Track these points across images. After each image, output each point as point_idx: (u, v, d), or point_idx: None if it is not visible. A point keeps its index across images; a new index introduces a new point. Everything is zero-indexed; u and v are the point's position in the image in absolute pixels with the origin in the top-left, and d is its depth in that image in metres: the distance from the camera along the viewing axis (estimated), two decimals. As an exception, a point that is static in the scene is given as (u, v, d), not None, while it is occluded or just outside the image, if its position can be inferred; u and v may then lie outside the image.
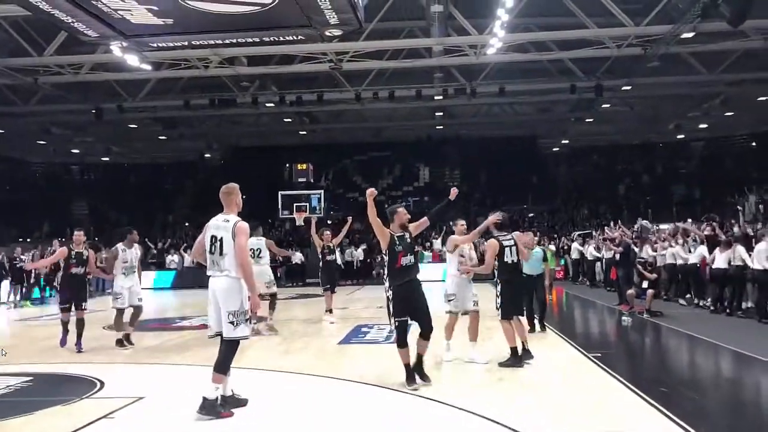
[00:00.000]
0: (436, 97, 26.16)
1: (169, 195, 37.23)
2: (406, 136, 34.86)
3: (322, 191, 24.52)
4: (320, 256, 12.70)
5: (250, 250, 10.75)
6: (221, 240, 5.75)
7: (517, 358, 7.51)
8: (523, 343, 7.70)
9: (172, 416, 5.66)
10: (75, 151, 36.47)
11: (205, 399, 5.52)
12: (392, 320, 6.60)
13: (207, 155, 38.81)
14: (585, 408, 5.63)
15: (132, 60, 19.27)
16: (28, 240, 28.43)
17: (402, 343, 6.50)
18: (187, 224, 32.89)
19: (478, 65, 23.01)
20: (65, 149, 35.84)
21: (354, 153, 37.12)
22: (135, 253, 9.93)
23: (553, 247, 17.52)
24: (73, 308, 9.57)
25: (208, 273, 5.82)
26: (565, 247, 22.95)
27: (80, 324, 9.44)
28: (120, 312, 9.65)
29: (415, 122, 32.05)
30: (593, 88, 23.99)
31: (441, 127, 33.75)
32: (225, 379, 5.65)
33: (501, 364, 7.43)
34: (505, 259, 7.78)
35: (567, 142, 37.02)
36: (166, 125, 31.60)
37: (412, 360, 6.57)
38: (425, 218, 7.24)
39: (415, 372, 6.56)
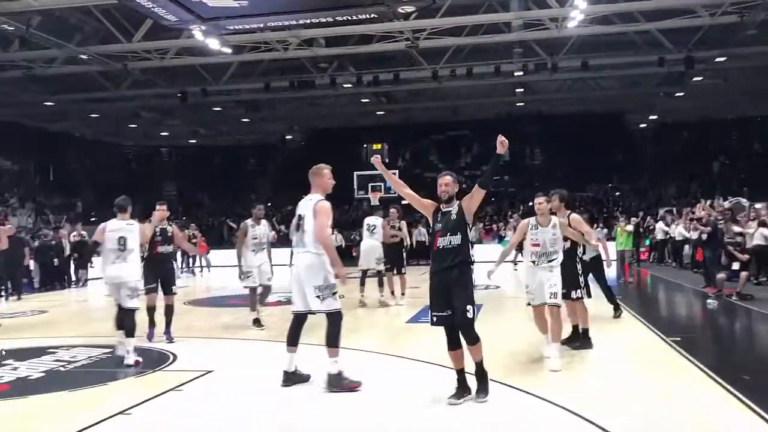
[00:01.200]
0: (515, 73, 25.54)
1: (252, 176, 38.23)
2: (485, 114, 34.19)
3: (397, 171, 24.40)
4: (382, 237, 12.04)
5: (367, 225, 12.00)
6: (304, 218, 6.00)
7: (587, 339, 7.40)
8: (576, 326, 7.50)
9: (236, 390, 5.79)
10: (164, 133, 37.92)
11: (329, 374, 5.73)
12: None
13: (288, 137, 39.51)
14: (656, 395, 5.35)
15: (213, 44, 19.73)
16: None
17: (448, 344, 5.45)
18: (269, 204, 33.67)
19: (560, 39, 22.29)
20: (155, 132, 37.32)
21: (431, 132, 36.83)
22: (263, 229, 9.49)
23: (630, 227, 16.75)
24: (160, 292, 8.53)
25: (293, 250, 6.02)
26: (651, 227, 21.99)
27: (169, 311, 8.44)
28: (252, 291, 9.35)
29: (494, 99, 31.41)
30: (683, 60, 22.76)
31: (521, 104, 32.98)
32: (338, 351, 5.82)
33: (570, 347, 7.21)
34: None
35: (655, 117, 35.39)
36: (248, 108, 32.34)
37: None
38: (477, 187, 5.47)
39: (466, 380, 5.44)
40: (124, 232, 7.21)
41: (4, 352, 6.72)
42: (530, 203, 30.39)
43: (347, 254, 27.11)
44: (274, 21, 13.93)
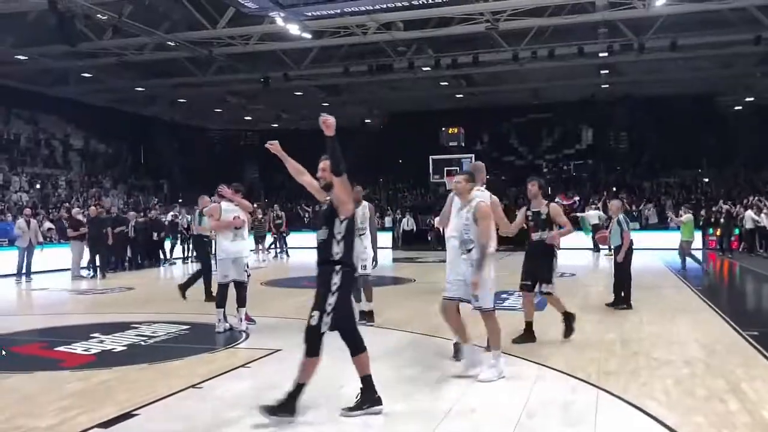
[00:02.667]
0: (600, 54, 24.67)
1: (332, 159, 38.73)
2: (568, 97, 33.19)
3: (473, 155, 24.24)
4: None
5: None
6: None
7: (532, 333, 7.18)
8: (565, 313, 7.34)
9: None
10: (248, 118, 38.93)
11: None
12: None
13: (367, 121, 39.75)
14: (718, 392, 5.14)
15: (293, 29, 20.09)
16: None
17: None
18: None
19: (648, 18, 21.37)
20: (239, 116, 38.38)
21: (511, 115, 36.14)
22: (364, 212, 8.28)
23: (685, 218, 15.85)
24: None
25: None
26: (741, 216, 20.93)
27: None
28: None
29: (577, 81, 30.43)
30: (783, 38, 21.38)
31: (606, 86, 31.83)
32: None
33: (515, 341, 6.98)
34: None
35: (752, 99, 33.39)
36: (329, 92, 32.73)
37: None
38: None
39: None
40: (239, 212, 8.02)
41: (3, 352, 7.12)
42: (614, 188, 29.78)
43: (423, 238, 27.23)
44: (351, 6, 14.08)
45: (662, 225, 25.21)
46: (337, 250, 4.65)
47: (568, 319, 7.33)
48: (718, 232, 22.03)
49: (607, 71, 28.91)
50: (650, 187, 31.14)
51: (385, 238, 25.63)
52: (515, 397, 5.04)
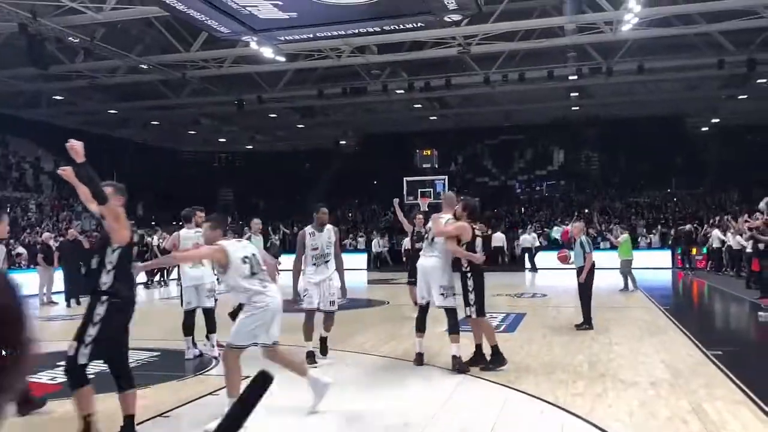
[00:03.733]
0: (570, 77, 25.21)
1: (306, 181, 38.76)
2: (539, 119, 33.80)
3: (446, 177, 24.44)
4: (409, 244, 11.60)
5: None
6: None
7: (501, 356, 6.85)
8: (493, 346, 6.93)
9: (273, 395, 5.95)
10: (222, 139, 38.89)
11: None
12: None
13: (342, 142, 39.93)
14: (680, 413, 5.23)
15: (267, 52, 20.19)
16: (178, 224, 30.83)
17: None
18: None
19: (616, 42, 21.92)
20: (213, 138, 38.33)
21: (484, 137, 36.65)
22: (329, 237, 7.63)
23: (623, 237, 16.40)
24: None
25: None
26: (708, 235, 21.34)
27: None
28: (309, 315, 7.66)
29: (548, 104, 31.01)
30: (746, 62, 22.03)
31: (577, 108, 32.46)
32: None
33: (483, 368, 6.76)
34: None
35: (718, 121, 34.25)
36: (303, 114, 32.86)
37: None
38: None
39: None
40: (198, 239, 7.60)
41: None
42: (586, 209, 30.18)
43: (398, 259, 27.27)
44: (323, 32, 14.11)
45: (632, 245, 25.61)
46: (105, 279, 4.46)
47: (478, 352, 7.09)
48: (693, 251, 22.60)
49: (576, 94, 29.51)
50: (621, 207, 31.63)
51: (360, 260, 25.63)
52: (483, 422, 5.08)
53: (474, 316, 6.90)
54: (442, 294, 6.87)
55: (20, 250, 20.64)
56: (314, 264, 7.41)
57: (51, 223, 25.99)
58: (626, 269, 15.64)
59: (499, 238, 26.45)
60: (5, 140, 30.02)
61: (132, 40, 21.80)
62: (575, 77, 25.02)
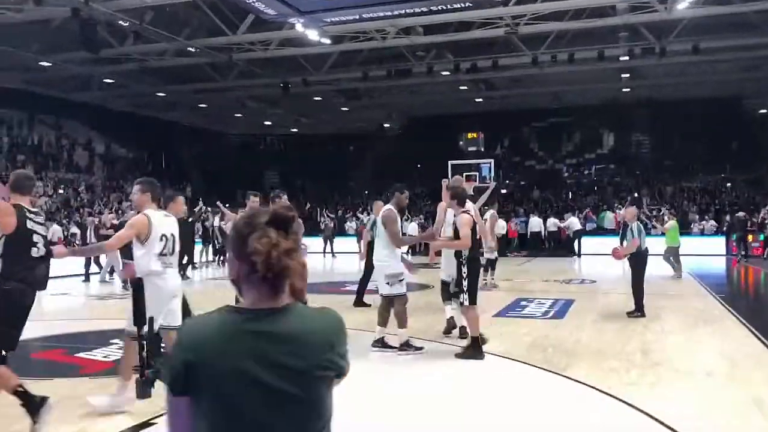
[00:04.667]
0: (621, 58, 24.45)
1: (350, 163, 38.83)
2: (589, 100, 32.96)
3: (493, 160, 24.10)
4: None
5: None
6: None
7: (479, 349, 6.71)
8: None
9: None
10: (268, 123, 39.14)
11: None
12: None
13: (386, 125, 39.76)
14: (740, 406, 5.02)
15: (313, 35, 20.15)
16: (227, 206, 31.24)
17: None
18: (366, 192, 34.08)
19: (670, 21, 21.12)
20: (259, 121, 38.58)
21: (532, 120, 35.96)
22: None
23: (670, 223, 15.90)
24: None
25: None
26: (766, 221, 20.59)
27: None
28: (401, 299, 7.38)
29: (598, 85, 30.19)
30: (809, 40, 21.03)
31: (628, 89, 31.54)
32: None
33: (459, 356, 6.71)
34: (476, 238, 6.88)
35: (778, 102, 32.90)
36: (348, 97, 32.79)
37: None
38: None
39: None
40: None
41: None
42: (635, 193, 29.46)
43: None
44: (370, 12, 14.10)
45: (683, 230, 24.97)
46: None
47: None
48: (750, 238, 21.92)
49: (628, 75, 28.66)
50: (673, 191, 30.78)
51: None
52: (533, 410, 4.97)
53: (467, 303, 6.76)
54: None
55: (74, 230, 21.17)
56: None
57: (102, 203, 26.61)
58: (671, 256, 15.24)
59: (538, 224, 26.07)
60: (59, 123, 30.83)
61: (180, 23, 21.99)
62: (627, 58, 24.25)
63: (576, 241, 23.96)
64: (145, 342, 4.78)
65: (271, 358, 1.53)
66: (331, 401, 1.60)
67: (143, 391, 4.71)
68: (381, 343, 7.11)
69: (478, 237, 7.03)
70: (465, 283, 6.73)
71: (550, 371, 6.09)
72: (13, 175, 4.76)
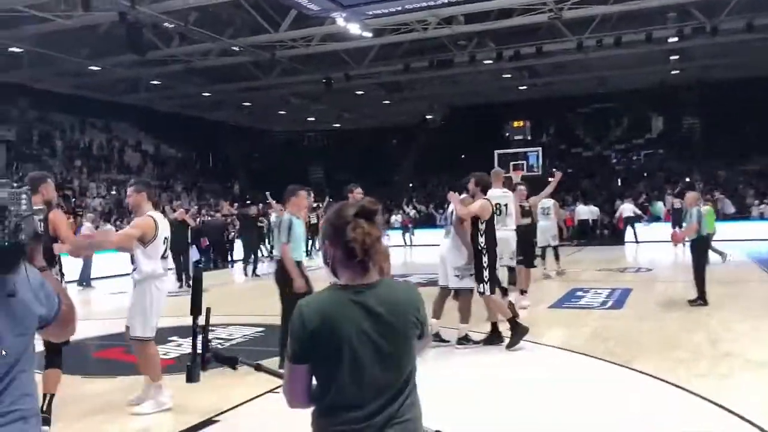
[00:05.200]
0: (669, 39, 23.78)
1: (394, 157, 38.74)
2: (636, 84, 32.14)
3: (540, 148, 23.67)
4: None
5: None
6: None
7: (498, 333, 6.85)
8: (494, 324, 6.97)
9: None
10: (311, 119, 39.36)
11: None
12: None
13: (429, 116, 39.55)
14: None
15: (354, 29, 20.13)
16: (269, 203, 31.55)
17: None
18: (411, 184, 33.99)
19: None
20: (302, 117, 38.83)
21: (577, 106, 35.26)
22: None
23: (705, 209, 15.31)
24: None
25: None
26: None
27: None
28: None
29: (645, 69, 29.39)
30: None
31: (677, 71, 30.66)
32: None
33: (482, 342, 6.85)
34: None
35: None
36: (389, 90, 32.71)
37: None
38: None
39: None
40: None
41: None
42: (687, 179, 28.61)
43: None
44: (411, 3, 13.98)
45: (740, 215, 24.18)
46: None
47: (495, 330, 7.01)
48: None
49: (677, 57, 27.85)
50: (727, 175, 29.83)
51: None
52: (602, 403, 4.84)
53: (487, 293, 6.75)
54: (511, 258, 8.02)
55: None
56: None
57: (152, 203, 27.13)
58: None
59: (586, 211, 25.51)
60: (108, 125, 31.55)
61: (223, 23, 22.23)
62: (675, 39, 23.58)
63: (630, 228, 23.33)
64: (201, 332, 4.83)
65: (378, 321, 1.92)
66: (415, 355, 2.01)
67: (195, 375, 4.76)
68: (438, 338, 7.02)
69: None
70: (485, 273, 6.68)
71: (615, 363, 5.94)
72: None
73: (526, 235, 9.09)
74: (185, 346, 7.47)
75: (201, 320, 2.69)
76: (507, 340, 6.76)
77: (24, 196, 1.78)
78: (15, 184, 1.79)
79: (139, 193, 5.28)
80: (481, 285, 6.76)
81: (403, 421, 1.93)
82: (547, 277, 12.60)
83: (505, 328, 6.87)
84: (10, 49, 22.01)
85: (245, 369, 2.63)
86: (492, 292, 6.76)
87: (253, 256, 17.41)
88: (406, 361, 1.97)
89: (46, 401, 4.62)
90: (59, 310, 1.96)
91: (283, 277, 6.17)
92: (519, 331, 6.64)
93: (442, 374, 5.84)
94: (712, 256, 14.59)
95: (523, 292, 9.38)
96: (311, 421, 1.97)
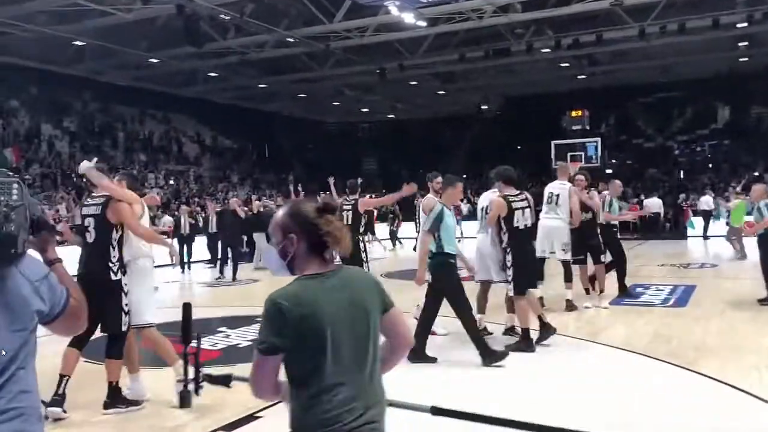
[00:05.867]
0: (738, 25, 22.71)
1: (448, 148, 38.34)
2: (701, 73, 30.82)
3: (599, 139, 22.94)
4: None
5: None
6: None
7: (530, 341, 6.31)
8: (539, 317, 6.51)
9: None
10: (364, 110, 39.32)
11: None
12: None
13: (484, 107, 38.96)
14: None
15: (408, 18, 19.92)
16: (322, 194, 31.66)
17: None
18: (464, 176, 33.56)
19: (795, -20, 19.41)
20: (356, 108, 38.83)
21: (638, 95, 34.09)
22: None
23: (734, 202, 14.60)
24: None
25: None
26: None
27: None
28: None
29: (712, 56, 28.17)
30: None
31: (745, 59, 29.30)
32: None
33: (509, 347, 6.21)
34: (516, 224, 6.37)
35: None
36: (444, 80, 32.34)
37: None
38: None
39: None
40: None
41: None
42: (755, 172, 27.34)
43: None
44: (467, -11, 13.59)
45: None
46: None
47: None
48: None
49: (746, 43, 26.61)
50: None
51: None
52: (665, 408, 4.56)
53: (512, 293, 6.46)
54: (563, 250, 8.01)
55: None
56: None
57: (208, 193, 27.57)
58: (734, 236, 14.46)
59: (656, 204, 24.66)
60: (167, 117, 32.21)
61: (278, 14, 22.33)
62: (745, 24, 22.48)
63: (703, 222, 22.15)
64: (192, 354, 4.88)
65: (352, 302, 2.07)
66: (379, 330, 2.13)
67: (187, 400, 4.85)
68: (486, 332, 6.85)
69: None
70: (510, 272, 6.38)
71: (678, 366, 5.61)
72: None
73: (588, 230, 8.52)
74: (233, 337, 7.47)
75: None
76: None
77: (15, 186, 1.75)
78: (9, 174, 1.77)
79: (120, 182, 5.28)
80: (507, 285, 6.55)
81: (381, 399, 2.11)
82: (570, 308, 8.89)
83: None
84: (74, 43, 22.64)
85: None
86: (518, 293, 6.38)
87: (230, 255, 14.58)
88: (375, 336, 2.11)
89: (111, 388, 4.77)
90: (66, 304, 1.90)
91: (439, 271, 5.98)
92: (528, 343, 6.34)
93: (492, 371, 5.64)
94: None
95: (600, 291, 8.64)
96: (292, 412, 2.03)
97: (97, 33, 21.49)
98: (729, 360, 5.80)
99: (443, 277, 5.96)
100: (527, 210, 6.44)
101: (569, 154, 21.92)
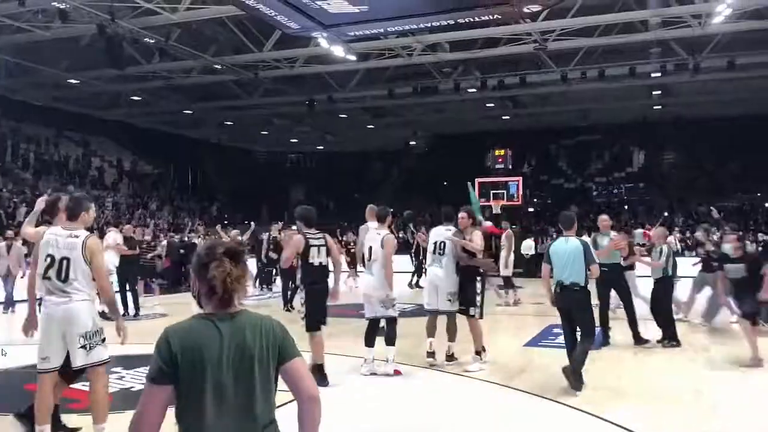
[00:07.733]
0: (653, 75, 23.89)
1: (376, 182, 38.51)
2: (618, 118, 32.30)
3: (521, 178, 23.54)
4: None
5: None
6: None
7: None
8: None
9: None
10: (293, 140, 39.08)
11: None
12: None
13: (412, 143, 39.44)
14: None
15: (338, 51, 19.93)
16: (248, 223, 31.01)
17: None
18: (391, 210, 33.65)
19: (704, 37, 20.55)
20: (285, 138, 38.56)
21: (560, 137, 35.39)
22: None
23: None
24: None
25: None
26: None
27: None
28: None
29: (628, 103, 29.56)
30: None
31: (659, 107, 30.85)
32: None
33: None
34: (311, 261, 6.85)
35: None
36: (374, 114, 32.57)
37: None
38: None
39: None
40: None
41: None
42: (665, 213, 28.58)
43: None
44: (395, 26, 13.65)
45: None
46: None
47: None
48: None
49: (659, 92, 28.05)
50: (707, 212, 29.88)
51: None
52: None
53: (478, 317, 7.38)
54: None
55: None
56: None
57: (125, 221, 26.53)
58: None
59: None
60: (86, 140, 30.98)
61: (206, 40, 21.98)
62: (659, 74, 23.68)
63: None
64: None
65: (240, 347, 2.10)
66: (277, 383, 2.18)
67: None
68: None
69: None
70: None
71: (591, 414, 5.54)
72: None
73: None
74: (127, 378, 6.96)
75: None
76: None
77: None
78: None
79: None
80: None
81: None
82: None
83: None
84: (-15, 58, 21.60)
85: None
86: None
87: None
88: (267, 388, 2.13)
89: None
90: None
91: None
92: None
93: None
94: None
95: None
96: None
97: (13, 49, 20.56)
98: (642, 405, 5.80)
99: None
100: (323, 248, 6.85)
101: (492, 192, 22.33)
